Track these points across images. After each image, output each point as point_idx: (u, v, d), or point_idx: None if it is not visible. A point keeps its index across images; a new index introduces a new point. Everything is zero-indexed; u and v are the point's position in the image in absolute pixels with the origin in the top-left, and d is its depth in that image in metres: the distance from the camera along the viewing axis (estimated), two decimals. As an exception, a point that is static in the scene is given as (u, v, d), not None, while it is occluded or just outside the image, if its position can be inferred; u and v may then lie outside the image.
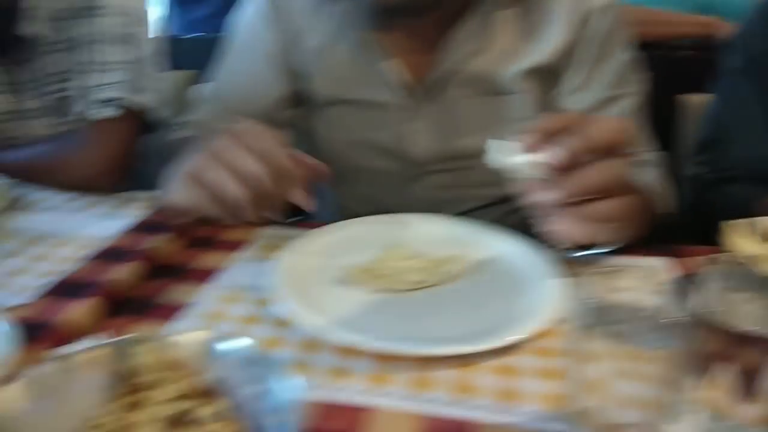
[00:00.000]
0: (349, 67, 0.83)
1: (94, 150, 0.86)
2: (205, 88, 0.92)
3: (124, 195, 0.84)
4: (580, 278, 0.43)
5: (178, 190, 0.67)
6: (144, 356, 0.44)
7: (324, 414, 0.46)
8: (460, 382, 0.49)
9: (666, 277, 0.44)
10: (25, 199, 0.82)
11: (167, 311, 0.59)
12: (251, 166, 0.58)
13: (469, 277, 0.65)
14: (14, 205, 0.80)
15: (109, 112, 0.88)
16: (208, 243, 0.72)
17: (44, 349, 0.51)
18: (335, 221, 0.74)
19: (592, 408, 0.42)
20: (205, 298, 0.61)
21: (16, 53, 0.93)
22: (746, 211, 0.61)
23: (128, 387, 0.43)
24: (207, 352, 0.45)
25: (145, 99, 0.92)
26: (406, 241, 0.70)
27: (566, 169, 0.52)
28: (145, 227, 0.73)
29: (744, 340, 0.39)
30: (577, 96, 0.82)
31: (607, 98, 0.81)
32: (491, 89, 0.81)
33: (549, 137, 0.53)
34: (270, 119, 0.77)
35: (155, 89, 0.94)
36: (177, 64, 1.19)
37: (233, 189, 0.59)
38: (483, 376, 0.50)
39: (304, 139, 0.90)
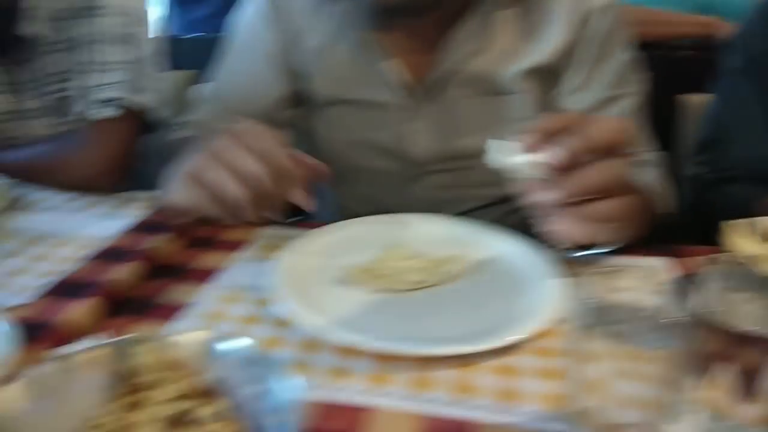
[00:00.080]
0: (349, 67, 0.83)
1: (94, 150, 0.86)
2: (205, 88, 0.92)
3: (124, 195, 0.84)
4: (580, 278, 0.43)
5: (178, 189, 0.67)
6: (144, 356, 0.44)
7: (324, 414, 0.46)
8: (460, 382, 0.49)
9: (666, 277, 0.44)
10: (25, 199, 0.82)
11: (167, 311, 0.59)
12: (251, 166, 0.58)
13: (468, 277, 0.65)
14: (14, 205, 0.80)
15: (109, 112, 0.88)
16: (207, 243, 0.72)
17: (44, 349, 0.51)
18: (335, 221, 0.74)
19: (592, 408, 0.42)
20: (205, 298, 0.61)
21: (17, 53, 0.93)
22: (746, 211, 0.61)
23: (128, 387, 0.43)
24: (207, 352, 0.44)
25: (145, 99, 0.92)
26: (406, 241, 0.70)
27: (566, 169, 0.52)
28: (144, 227, 0.73)
29: (744, 340, 0.39)
30: (577, 96, 0.82)
31: (607, 98, 0.81)
32: (491, 89, 0.81)
33: (549, 137, 0.53)
34: (270, 119, 0.77)
35: (155, 89, 0.94)
36: (177, 64, 1.19)
37: (233, 189, 0.59)
38: (483, 376, 0.50)
39: (304, 139, 0.90)
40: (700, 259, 0.64)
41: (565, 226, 0.55)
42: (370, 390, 0.49)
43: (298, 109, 0.89)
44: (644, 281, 0.43)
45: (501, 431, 0.45)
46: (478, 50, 0.79)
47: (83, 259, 0.66)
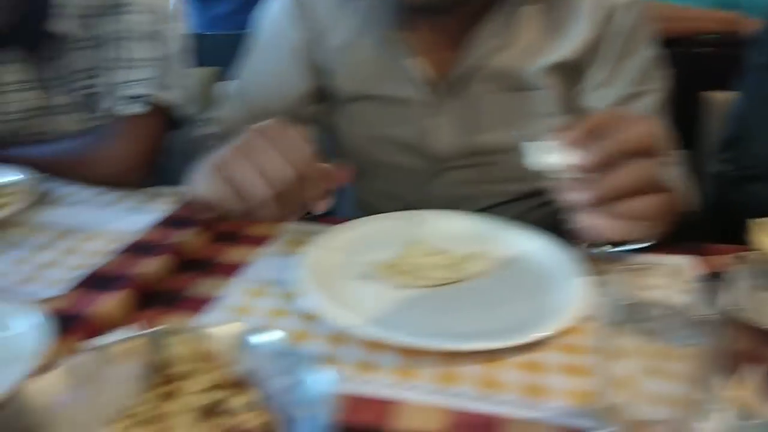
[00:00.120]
0: (372, 63, 0.83)
1: (121, 146, 0.88)
2: (230, 86, 0.93)
3: (151, 190, 0.85)
4: (609, 275, 0.43)
5: (203, 182, 0.68)
6: (178, 347, 0.45)
7: (352, 407, 0.47)
8: (486, 377, 0.50)
9: (694, 275, 0.44)
10: (54, 193, 0.84)
11: (195, 304, 0.60)
12: (278, 166, 0.58)
13: (492, 274, 0.65)
14: (43, 200, 0.81)
15: (136, 108, 0.89)
16: (233, 238, 0.73)
17: (77, 341, 0.53)
18: (354, 216, 0.75)
19: (620, 404, 0.42)
20: (232, 291, 0.62)
21: (46, 50, 0.95)
22: None
23: (162, 377, 0.44)
24: (239, 344, 0.45)
25: (172, 96, 0.93)
26: (429, 237, 0.71)
27: (599, 169, 0.52)
28: (171, 222, 0.75)
29: (774, 338, 0.39)
30: (600, 92, 0.82)
31: (631, 95, 0.81)
32: (515, 85, 0.81)
33: (584, 138, 0.52)
34: (294, 115, 0.78)
35: (182, 86, 0.95)
36: (198, 60, 1.20)
37: (258, 187, 0.59)
38: (508, 371, 0.51)
39: (326, 134, 0.91)
40: (727, 257, 0.64)
41: (597, 223, 0.55)
42: (397, 384, 0.49)
43: (320, 105, 0.89)
44: (673, 279, 0.43)
45: (528, 426, 0.45)
46: (502, 46, 0.79)
47: (113, 252, 0.67)
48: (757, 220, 0.58)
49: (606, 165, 0.51)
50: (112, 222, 0.75)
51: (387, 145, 0.87)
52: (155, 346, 0.45)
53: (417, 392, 0.48)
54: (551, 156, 0.53)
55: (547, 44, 0.80)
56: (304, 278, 0.60)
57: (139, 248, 0.68)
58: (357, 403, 0.47)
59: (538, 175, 0.57)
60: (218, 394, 0.43)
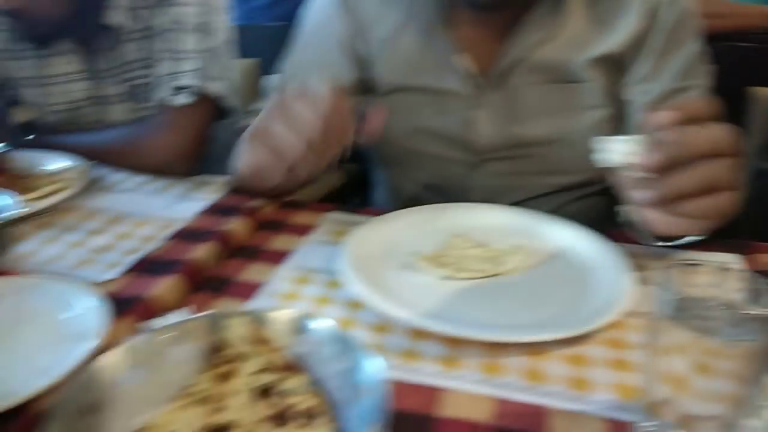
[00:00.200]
0: (415, 56, 0.84)
1: (169, 135, 0.90)
2: (274, 78, 0.94)
3: (197, 179, 0.87)
4: (660, 271, 0.43)
5: (245, 154, 0.69)
6: (234, 330, 0.47)
7: (399, 394, 0.47)
8: (531, 369, 0.51)
9: (744, 273, 0.44)
10: (105, 180, 0.87)
11: (243, 290, 0.62)
12: (307, 118, 0.58)
13: (533, 268, 0.65)
14: (94, 186, 0.84)
15: (184, 99, 0.92)
16: (277, 226, 0.75)
17: (132, 322, 0.55)
18: (392, 207, 0.76)
19: (668, 400, 0.42)
20: (278, 278, 0.64)
21: (99, 41, 0.98)
22: None
23: (219, 359, 0.46)
24: (293, 328, 0.47)
25: (219, 87, 0.95)
26: (471, 230, 0.71)
27: (664, 171, 0.51)
28: (218, 210, 0.77)
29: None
30: (644, 86, 0.81)
31: (675, 90, 0.80)
32: (558, 77, 0.81)
33: (655, 137, 0.52)
34: None
35: (227, 77, 0.97)
36: (236, 52, 1.22)
37: (292, 141, 0.59)
38: (554, 364, 0.51)
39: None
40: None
41: (655, 219, 0.55)
42: (443, 373, 0.50)
43: (362, 97, 0.90)
44: (723, 276, 0.44)
45: (574, 418, 0.46)
46: (547, 38, 0.79)
47: (164, 238, 0.70)
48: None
49: (674, 166, 0.50)
50: (162, 209, 0.77)
51: (427, 137, 0.87)
52: (213, 329, 0.47)
53: (462, 381, 0.49)
54: (621, 152, 0.53)
55: (593, 37, 0.79)
56: (347, 267, 0.62)
57: (188, 235, 0.70)
58: (404, 390, 0.48)
59: (591, 168, 0.57)
60: (272, 376, 0.45)
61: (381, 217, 0.73)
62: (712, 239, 0.66)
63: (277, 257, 0.68)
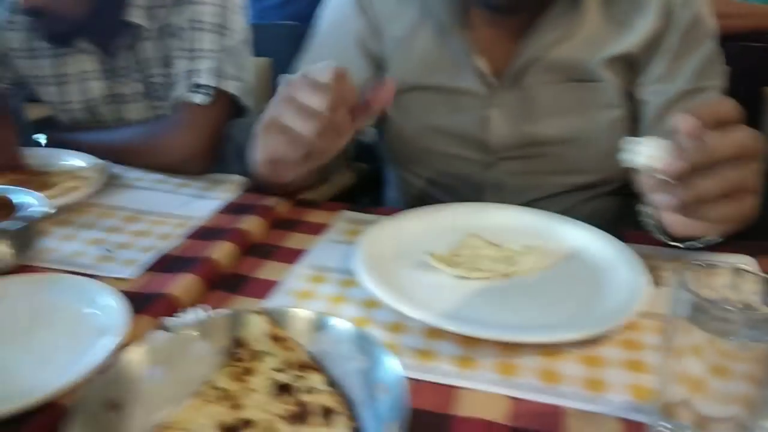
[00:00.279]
0: (430, 55, 0.84)
1: (186, 134, 0.91)
2: (290, 77, 0.95)
3: (213, 177, 0.88)
4: (675, 273, 0.43)
5: (260, 145, 0.69)
6: (254, 328, 0.48)
7: (415, 392, 0.48)
8: (546, 369, 0.51)
9: (759, 274, 0.44)
10: (122, 178, 0.88)
11: (260, 288, 0.62)
12: (315, 101, 0.57)
13: (547, 268, 0.66)
14: (112, 184, 0.85)
15: (201, 97, 0.92)
16: (292, 225, 0.76)
17: (152, 319, 0.55)
18: (405, 206, 0.76)
19: (684, 401, 0.42)
20: (294, 277, 0.64)
21: (119, 40, 0.99)
22: None
23: (239, 356, 0.47)
24: (311, 327, 0.48)
25: (235, 86, 0.96)
26: (485, 230, 0.72)
27: (687, 176, 0.51)
28: (234, 208, 0.77)
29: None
30: (659, 86, 0.81)
31: (690, 90, 0.80)
32: (573, 76, 0.81)
33: (678, 143, 0.51)
34: None
35: (244, 76, 0.98)
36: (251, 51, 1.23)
37: (303, 125, 0.59)
38: (569, 364, 0.51)
39: (375, 123, 0.92)
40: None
41: (676, 222, 0.55)
42: (458, 372, 0.51)
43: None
44: (739, 278, 0.44)
45: (589, 418, 0.46)
46: (563, 37, 0.79)
47: (181, 236, 0.70)
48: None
49: (697, 171, 0.50)
50: (178, 207, 0.78)
51: (441, 135, 0.87)
52: (232, 327, 0.48)
53: (478, 381, 0.49)
54: (646, 155, 0.52)
55: (609, 36, 0.79)
56: (362, 266, 0.62)
57: (205, 233, 0.71)
58: (420, 389, 0.48)
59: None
60: (290, 375, 0.45)
61: (394, 216, 0.74)
62: (726, 241, 0.66)
63: (292, 256, 0.68)
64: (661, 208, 0.55)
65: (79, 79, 1.03)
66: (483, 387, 0.49)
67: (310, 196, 0.84)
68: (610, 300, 0.58)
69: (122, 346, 0.49)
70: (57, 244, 0.69)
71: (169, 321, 0.54)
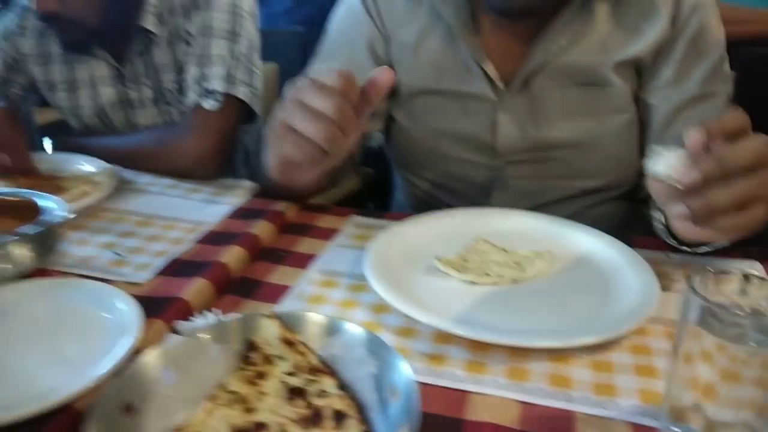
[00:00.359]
0: (439, 60, 0.85)
1: (197, 139, 0.92)
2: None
3: (224, 182, 0.89)
4: (686, 278, 0.44)
5: (272, 151, 0.70)
6: (267, 332, 0.48)
7: (426, 397, 0.48)
8: (556, 374, 0.51)
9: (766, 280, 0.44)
10: (133, 183, 0.89)
11: (271, 293, 0.63)
12: (324, 105, 0.58)
13: (556, 274, 0.66)
14: (123, 189, 0.86)
15: (212, 103, 0.93)
16: (303, 230, 0.76)
17: (165, 323, 0.56)
18: (413, 211, 0.76)
19: (693, 406, 0.43)
20: (304, 282, 0.65)
21: (133, 45, 1.00)
22: None
23: (251, 360, 0.47)
24: (325, 331, 0.48)
25: (245, 91, 0.96)
26: (493, 235, 0.72)
27: (701, 188, 0.51)
28: (245, 213, 0.78)
29: None
30: (667, 91, 0.81)
31: (698, 95, 0.81)
32: (583, 80, 0.81)
33: (699, 150, 0.52)
34: None
35: (253, 82, 0.99)
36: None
37: (315, 129, 0.59)
38: (578, 369, 0.52)
39: (383, 128, 0.93)
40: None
41: (689, 230, 0.55)
42: (468, 377, 0.51)
43: (383, 101, 0.91)
44: (749, 284, 0.44)
45: (599, 422, 0.46)
46: (573, 42, 0.80)
47: (192, 240, 0.71)
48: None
49: (711, 182, 0.50)
50: (190, 211, 0.79)
51: (450, 139, 0.88)
52: (245, 331, 0.49)
53: (488, 386, 0.50)
54: (666, 164, 0.53)
55: (619, 41, 0.80)
56: (372, 271, 0.63)
57: (216, 238, 0.72)
58: (430, 393, 0.49)
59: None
60: (303, 378, 0.46)
61: (404, 221, 0.74)
62: (735, 246, 0.66)
63: (303, 261, 0.69)
64: (674, 216, 0.55)
65: (90, 84, 1.04)
66: (493, 391, 0.49)
67: (317, 200, 0.85)
68: (620, 305, 0.59)
69: (136, 350, 0.49)
70: (71, 248, 0.70)
71: (183, 325, 0.55)
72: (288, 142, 0.61)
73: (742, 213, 0.50)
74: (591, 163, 0.85)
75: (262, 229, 0.74)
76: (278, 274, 0.67)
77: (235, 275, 0.66)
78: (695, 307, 0.42)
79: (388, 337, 0.56)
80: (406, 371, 0.43)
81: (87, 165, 0.91)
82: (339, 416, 0.43)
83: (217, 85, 0.94)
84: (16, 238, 0.62)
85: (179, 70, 0.99)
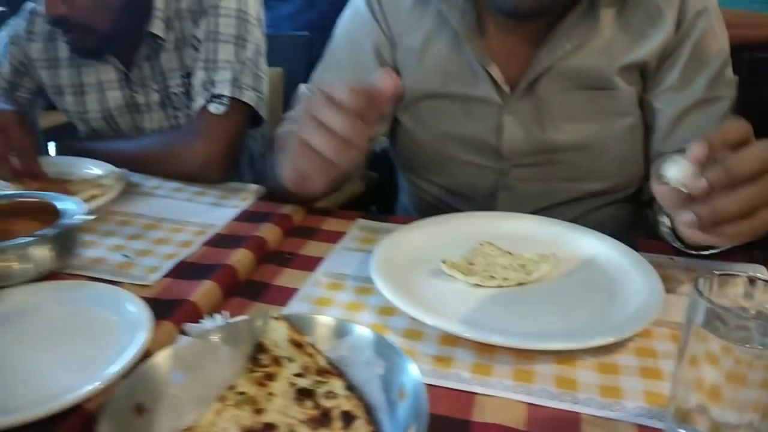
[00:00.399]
0: (445, 64, 0.85)
1: (204, 143, 0.92)
2: (306, 86, 0.96)
3: (229, 185, 0.90)
4: (691, 281, 0.44)
5: (287, 165, 0.70)
6: (276, 334, 0.49)
7: (434, 398, 0.48)
8: (562, 376, 0.52)
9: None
10: (140, 186, 0.89)
11: (278, 295, 0.64)
12: (331, 118, 0.59)
13: (561, 276, 0.66)
14: (131, 192, 0.87)
15: (219, 107, 0.94)
16: (309, 233, 0.77)
17: (174, 325, 0.56)
18: (419, 214, 0.77)
19: (699, 407, 0.43)
20: (312, 284, 0.65)
21: (141, 50, 1.00)
22: None
23: (261, 362, 0.48)
24: (334, 333, 0.48)
25: (251, 96, 0.97)
26: (499, 238, 0.72)
27: (712, 194, 0.51)
28: (251, 216, 0.79)
29: None
30: (671, 95, 0.82)
31: (703, 100, 0.81)
32: (588, 84, 0.82)
33: (706, 158, 0.52)
34: None
35: (260, 87, 0.99)
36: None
37: (327, 144, 0.60)
38: (584, 372, 0.52)
39: (388, 131, 0.93)
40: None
41: (695, 236, 0.56)
42: (475, 379, 0.51)
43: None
44: (753, 287, 0.44)
45: (605, 424, 0.47)
46: (579, 46, 0.80)
47: (200, 243, 0.72)
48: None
49: (718, 190, 0.51)
50: (197, 214, 0.80)
51: (455, 142, 0.88)
52: (254, 333, 0.49)
53: (494, 388, 0.50)
54: (677, 172, 0.53)
55: (624, 45, 0.80)
56: (378, 274, 0.63)
57: (223, 241, 0.72)
58: (437, 395, 0.49)
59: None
60: (311, 380, 0.46)
61: (410, 224, 0.75)
62: (739, 249, 0.66)
63: (310, 263, 0.70)
64: (682, 223, 0.56)
65: (97, 88, 1.05)
66: (499, 393, 0.50)
67: (321, 204, 0.86)
68: (625, 307, 0.59)
69: (146, 352, 0.50)
70: (80, 250, 0.70)
71: (192, 327, 0.56)
72: (302, 156, 0.62)
73: (749, 219, 0.51)
74: (596, 166, 0.85)
75: (268, 232, 0.74)
76: (285, 277, 0.67)
77: (243, 278, 0.67)
78: (701, 310, 0.42)
79: (394, 340, 0.56)
80: (414, 372, 0.44)
81: (95, 168, 0.92)
82: (347, 417, 0.44)
83: (223, 89, 0.94)
84: (38, 238, 0.63)
85: (186, 74, 1.00)
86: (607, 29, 0.80)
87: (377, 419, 0.44)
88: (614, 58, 0.80)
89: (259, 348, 0.49)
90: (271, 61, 1.25)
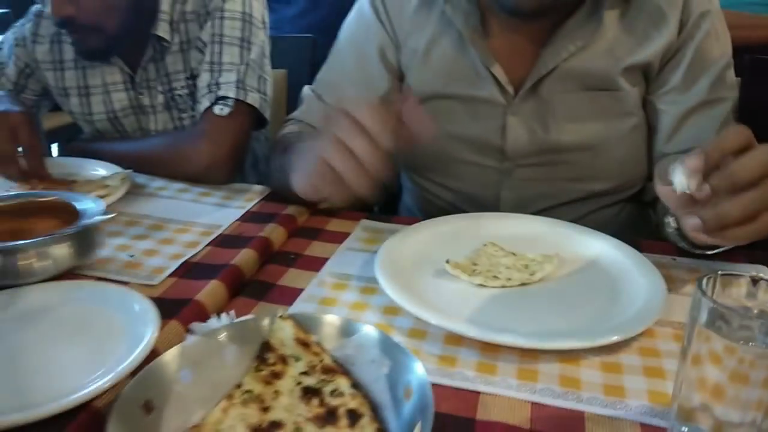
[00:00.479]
0: (450, 65, 0.86)
1: (208, 144, 0.93)
2: (309, 87, 0.97)
3: (234, 186, 0.90)
4: (694, 281, 0.44)
5: (307, 182, 0.70)
6: (282, 333, 0.49)
7: (439, 397, 0.49)
8: (566, 375, 0.52)
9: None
10: (145, 186, 0.90)
11: (283, 295, 0.64)
12: (368, 150, 0.59)
13: (564, 277, 0.67)
14: (135, 193, 0.87)
15: (223, 109, 0.95)
16: (314, 234, 0.77)
17: (178, 326, 0.57)
18: (423, 215, 0.77)
19: (702, 406, 0.43)
20: (317, 284, 0.66)
21: (146, 52, 1.01)
22: None
23: (267, 360, 0.48)
24: (340, 332, 0.49)
25: (256, 98, 0.98)
26: (503, 238, 0.73)
27: (714, 199, 0.52)
28: (256, 217, 0.79)
29: None
30: (674, 97, 0.82)
31: (705, 101, 0.82)
32: (592, 85, 0.82)
33: (707, 165, 0.52)
34: None
35: (264, 89, 1.00)
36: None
37: (357, 175, 0.60)
38: (588, 371, 0.52)
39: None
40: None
41: (699, 238, 0.56)
42: (479, 378, 0.52)
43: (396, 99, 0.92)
44: (756, 287, 0.45)
45: (609, 423, 0.47)
46: (582, 47, 0.81)
47: (205, 244, 0.72)
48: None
49: (721, 195, 0.51)
50: (202, 215, 0.80)
51: (460, 143, 0.89)
52: (261, 332, 0.49)
53: (499, 387, 0.51)
54: (679, 175, 0.54)
55: (628, 46, 0.81)
56: (382, 274, 0.64)
57: (228, 241, 0.73)
58: (442, 394, 0.50)
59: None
60: (317, 378, 0.47)
61: (414, 225, 0.75)
62: (741, 248, 0.67)
63: (315, 264, 0.70)
64: (687, 227, 0.56)
65: (102, 90, 1.05)
66: (504, 392, 0.50)
67: (324, 205, 0.86)
68: (628, 308, 0.59)
69: (154, 351, 0.50)
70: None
71: (199, 326, 0.56)
72: (321, 174, 0.62)
73: (752, 223, 0.51)
74: (599, 167, 0.86)
75: (273, 232, 0.75)
76: (290, 277, 0.68)
77: (248, 278, 0.67)
78: (704, 310, 0.43)
79: (399, 339, 0.57)
80: (419, 371, 0.44)
81: (100, 169, 0.93)
82: (353, 415, 0.44)
83: (228, 91, 0.95)
84: (58, 237, 0.63)
85: (191, 76, 1.01)
86: (610, 31, 0.81)
87: (383, 417, 0.44)
88: (618, 59, 0.81)
89: (266, 347, 0.49)
90: (275, 63, 1.25)
